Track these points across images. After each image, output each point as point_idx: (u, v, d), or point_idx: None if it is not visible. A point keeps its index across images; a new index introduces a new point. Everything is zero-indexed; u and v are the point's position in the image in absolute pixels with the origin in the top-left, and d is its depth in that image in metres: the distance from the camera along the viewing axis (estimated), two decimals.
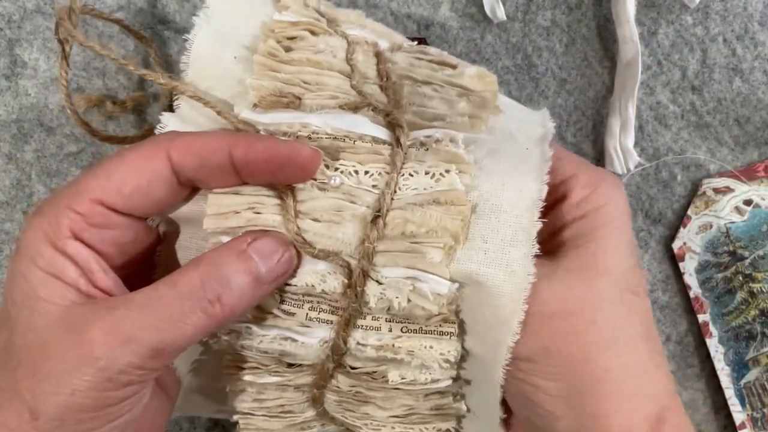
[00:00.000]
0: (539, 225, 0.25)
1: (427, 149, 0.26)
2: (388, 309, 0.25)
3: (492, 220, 0.25)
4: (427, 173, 0.25)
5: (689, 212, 0.37)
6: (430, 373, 0.27)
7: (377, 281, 0.25)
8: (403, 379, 0.27)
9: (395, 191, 0.25)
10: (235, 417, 0.30)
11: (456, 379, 0.27)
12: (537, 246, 0.25)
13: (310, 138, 0.26)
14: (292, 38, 0.28)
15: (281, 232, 0.25)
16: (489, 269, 0.25)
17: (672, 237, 0.37)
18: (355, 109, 0.27)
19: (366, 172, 0.25)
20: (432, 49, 0.30)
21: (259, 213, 0.25)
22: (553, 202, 0.27)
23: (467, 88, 0.28)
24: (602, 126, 0.37)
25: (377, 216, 0.25)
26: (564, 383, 0.25)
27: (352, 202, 0.25)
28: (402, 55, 0.29)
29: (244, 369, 0.28)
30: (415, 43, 0.31)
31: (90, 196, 0.23)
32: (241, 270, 0.23)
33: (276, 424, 0.30)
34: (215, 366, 0.29)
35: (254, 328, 0.26)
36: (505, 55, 0.37)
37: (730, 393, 0.36)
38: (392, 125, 0.26)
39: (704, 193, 0.37)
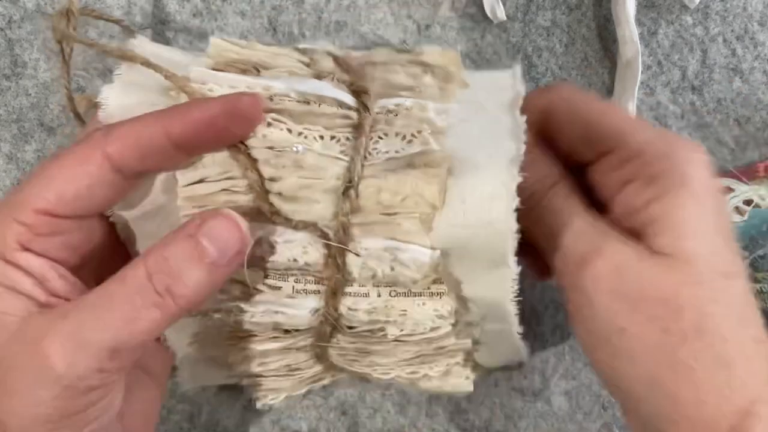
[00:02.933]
0: (519, 179, 0.24)
1: (396, 115, 0.25)
2: (373, 276, 0.25)
3: (469, 180, 0.24)
4: (397, 134, 0.24)
5: None
6: (427, 325, 0.26)
7: (357, 254, 0.25)
8: (401, 332, 0.26)
9: (365, 157, 0.24)
10: (244, 381, 0.29)
11: (455, 323, 0.27)
12: (518, 200, 0.24)
13: (271, 99, 0.25)
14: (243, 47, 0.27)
15: (239, 206, 0.24)
16: (470, 230, 0.24)
17: None
18: (318, 78, 0.26)
19: (332, 137, 0.24)
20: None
21: (231, 194, 0.24)
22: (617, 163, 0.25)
23: (430, 64, 0.27)
24: None
25: (349, 186, 0.24)
26: (642, 369, 0.24)
27: (318, 177, 0.24)
28: (359, 53, 0.29)
29: (243, 338, 0.28)
30: None
31: (32, 207, 0.22)
32: (192, 258, 0.23)
33: (286, 383, 0.29)
34: (215, 336, 0.29)
35: (242, 305, 0.26)
36: (505, 55, 0.37)
37: None
38: (358, 93, 0.25)
39: None
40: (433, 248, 0.24)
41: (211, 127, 0.23)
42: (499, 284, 0.25)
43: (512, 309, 0.26)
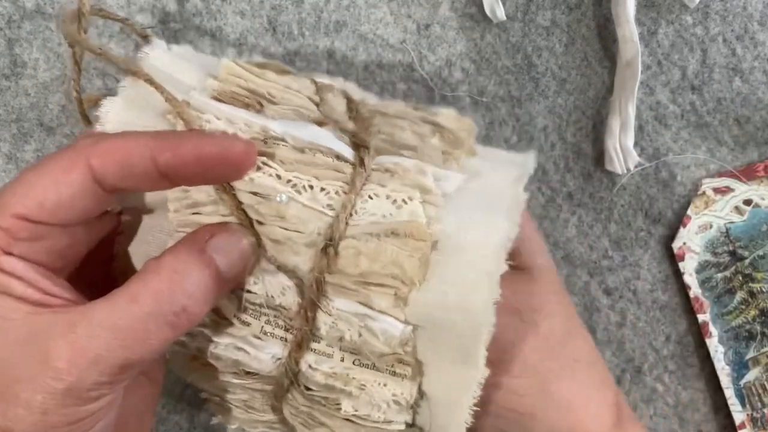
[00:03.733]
0: (504, 268, 0.23)
1: (392, 175, 0.24)
2: (341, 339, 0.24)
3: (453, 261, 0.23)
4: (388, 198, 0.24)
5: (689, 212, 0.37)
6: (383, 412, 0.25)
7: (328, 312, 0.24)
8: (356, 411, 0.25)
9: (351, 215, 0.23)
10: (203, 395, 0.29)
11: (411, 425, 0.26)
12: (499, 292, 0.23)
13: (265, 142, 0.24)
14: (261, 66, 0.26)
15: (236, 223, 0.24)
16: (448, 315, 0.23)
17: (672, 237, 0.37)
18: (320, 124, 0.25)
19: (322, 189, 0.24)
20: None
21: (224, 218, 0.24)
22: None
23: (441, 126, 0.27)
24: (602, 126, 0.37)
25: (329, 245, 0.23)
26: (533, 380, 0.26)
27: (299, 230, 0.24)
28: (374, 98, 0.28)
29: (204, 365, 0.27)
30: None
31: (11, 212, 0.22)
32: (205, 275, 0.23)
33: (242, 415, 0.29)
34: (178, 353, 0.28)
35: (208, 332, 0.25)
36: (505, 55, 0.37)
37: (730, 393, 0.36)
38: (357, 146, 0.25)
39: (704, 193, 0.37)
40: (406, 323, 0.23)
41: (199, 164, 0.22)
42: (461, 384, 0.23)
43: (467, 416, 0.24)
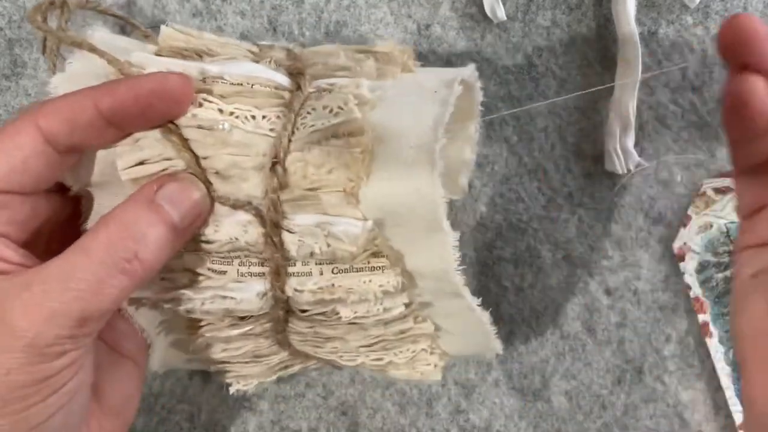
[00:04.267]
0: (443, 141, 0.23)
1: (330, 92, 0.25)
2: (311, 254, 0.25)
3: (393, 146, 0.24)
4: (325, 107, 0.24)
5: (689, 212, 0.37)
6: (380, 303, 0.26)
7: (290, 230, 0.24)
8: (355, 313, 0.26)
9: (293, 132, 0.24)
10: (212, 368, 0.30)
11: (409, 304, 0.27)
12: (441, 162, 0.23)
13: (204, 81, 0.25)
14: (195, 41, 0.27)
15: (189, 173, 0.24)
16: (398, 198, 0.23)
17: (672, 237, 0.37)
18: (256, 61, 0.26)
19: (263, 117, 0.24)
20: None
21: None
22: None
23: (376, 51, 0.27)
24: (602, 126, 0.37)
25: (275, 162, 0.24)
26: None
27: (245, 154, 0.24)
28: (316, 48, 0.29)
29: (201, 326, 0.28)
30: None
31: None
32: (155, 221, 0.23)
33: (254, 369, 0.29)
34: (175, 324, 0.29)
35: (189, 292, 0.26)
36: (505, 55, 0.37)
37: (730, 393, 0.36)
38: (293, 75, 0.25)
39: (704, 193, 0.37)
40: (364, 219, 0.24)
41: (138, 102, 0.23)
42: (439, 252, 0.24)
43: (459, 280, 0.25)
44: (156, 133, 0.24)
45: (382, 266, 0.25)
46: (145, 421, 0.36)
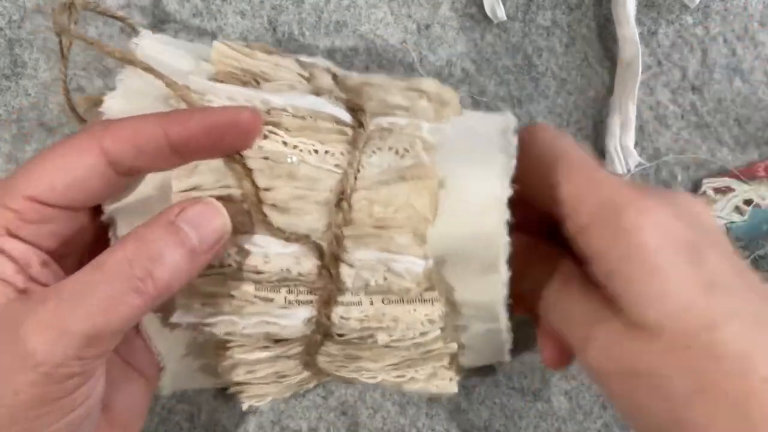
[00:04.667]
0: (510, 192, 0.24)
1: (390, 132, 0.25)
2: (366, 286, 0.25)
3: (461, 193, 0.25)
4: (390, 149, 0.25)
5: None
6: (417, 331, 0.26)
7: (350, 264, 0.25)
8: (391, 337, 0.26)
9: (358, 170, 0.25)
10: (231, 390, 0.30)
11: (444, 328, 0.27)
12: (509, 212, 0.24)
13: (269, 113, 0.25)
14: (247, 55, 0.27)
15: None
16: (463, 241, 0.24)
17: None
18: (315, 95, 0.26)
19: (327, 151, 0.25)
20: None
21: (225, 203, 0.24)
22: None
23: (426, 91, 0.28)
24: (602, 126, 0.37)
25: (341, 199, 0.24)
26: None
27: (312, 189, 0.24)
28: (355, 74, 0.29)
29: (232, 348, 0.28)
30: None
31: (23, 194, 0.22)
32: (172, 242, 0.22)
33: (272, 388, 0.30)
34: (205, 346, 0.29)
35: (234, 318, 0.26)
36: (505, 55, 0.37)
37: None
38: (354, 110, 0.26)
39: (704, 193, 0.37)
40: (426, 258, 0.25)
41: (209, 135, 0.23)
42: (491, 288, 0.25)
43: (503, 311, 0.26)
44: (218, 161, 0.25)
45: (433, 299, 0.26)
46: (145, 421, 0.36)
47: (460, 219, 0.24)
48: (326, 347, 0.27)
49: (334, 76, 0.29)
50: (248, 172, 0.24)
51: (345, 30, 0.36)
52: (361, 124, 0.25)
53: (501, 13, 0.36)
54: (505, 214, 0.24)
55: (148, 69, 0.25)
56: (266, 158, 0.24)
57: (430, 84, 0.29)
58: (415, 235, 0.24)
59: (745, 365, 0.21)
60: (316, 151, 0.25)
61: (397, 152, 0.25)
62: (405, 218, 0.24)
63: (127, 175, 0.24)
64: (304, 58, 0.29)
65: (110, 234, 0.26)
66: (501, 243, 0.24)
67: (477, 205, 0.24)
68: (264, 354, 0.28)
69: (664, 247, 0.22)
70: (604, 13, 0.37)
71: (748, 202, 0.37)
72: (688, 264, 0.22)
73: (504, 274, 0.25)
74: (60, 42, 0.29)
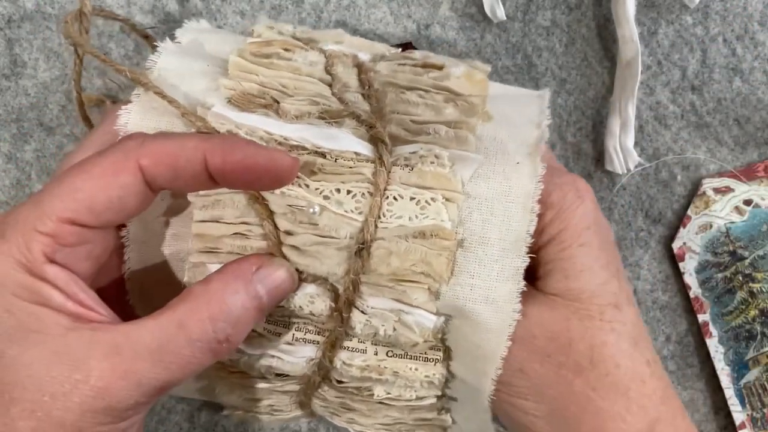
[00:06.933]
0: (527, 261, 0.25)
1: (412, 169, 0.25)
2: (375, 334, 0.25)
3: (479, 255, 0.25)
4: (412, 199, 0.25)
5: (689, 212, 0.37)
6: (414, 391, 0.27)
7: (362, 311, 0.25)
8: (388, 394, 0.27)
9: (379, 217, 0.25)
10: (225, 412, 0.30)
11: (441, 396, 0.27)
12: (523, 282, 0.25)
13: (289, 150, 0.25)
14: (267, 56, 0.27)
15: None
16: (475, 306, 0.25)
17: (672, 237, 0.37)
18: (337, 117, 0.26)
19: (348, 192, 0.25)
20: (417, 53, 0.29)
21: (245, 239, 0.25)
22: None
23: (454, 92, 0.27)
24: (602, 126, 0.37)
25: (362, 248, 0.24)
26: (543, 404, 0.25)
27: (332, 236, 0.24)
28: (384, 63, 0.28)
29: (232, 373, 0.28)
30: (400, 49, 0.30)
31: (58, 216, 0.22)
32: (249, 305, 0.23)
33: (267, 418, 0.30)
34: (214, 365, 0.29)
35: (241, 347, 0.26)
36: (505, 55, 0.37)
37: (730, 393, 0.36)
38: (375, 140, 0.25)
39: (704, 193, 0.37)
40: (438, 314, 0.25)
41: (248, 171, 0.23)
42: (482, 373, 0.25)
43: (487, 406, 0.26)
44: (241, 196, 0.25)
45: (435, 359, 0.26)
46: (145, 421, 0.36)
47: (475, 283, 0.25)
48: (323, 391, 0.28)
49: (360, 73, 0.28)
50: (270, 213, 0.25)
51: (345, 30, 0.36)
52: (381, 162, 0.25)
53: (501, 13, 0.36)
54: (519, 286, 0.25)
55: (161, 94, 0.25)
56: (289, 204, 0.25)
57: (459, 79, 0.27)
58: (430, 292, 0.25)
59: (634, 347, 0.25)
60: (338, 191, 0.25)
61: (418, 203, 0.25)
62: (422, 274, 0.24)
63: (158, 191, 0.24)
64: (330, 46, 0.29)
65: (124, 238, 0.26)
66: (509, 317, 0.25)
67: (492, 273, 0.25)
68: (262, 385, 0.28)
69: (588, 226, 0.26)
70: (604, 13, 0.37)
71: (747, 202, 0.37)
72: (600, 250, 0.26)
73: (497, 361, 0.25)
74: (76, 53, 0.29)
